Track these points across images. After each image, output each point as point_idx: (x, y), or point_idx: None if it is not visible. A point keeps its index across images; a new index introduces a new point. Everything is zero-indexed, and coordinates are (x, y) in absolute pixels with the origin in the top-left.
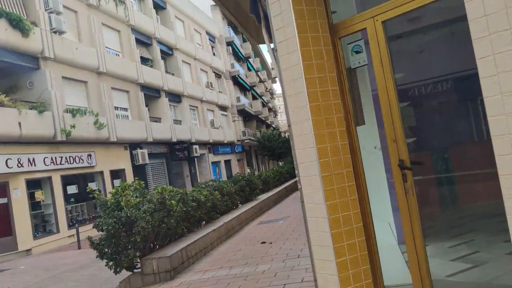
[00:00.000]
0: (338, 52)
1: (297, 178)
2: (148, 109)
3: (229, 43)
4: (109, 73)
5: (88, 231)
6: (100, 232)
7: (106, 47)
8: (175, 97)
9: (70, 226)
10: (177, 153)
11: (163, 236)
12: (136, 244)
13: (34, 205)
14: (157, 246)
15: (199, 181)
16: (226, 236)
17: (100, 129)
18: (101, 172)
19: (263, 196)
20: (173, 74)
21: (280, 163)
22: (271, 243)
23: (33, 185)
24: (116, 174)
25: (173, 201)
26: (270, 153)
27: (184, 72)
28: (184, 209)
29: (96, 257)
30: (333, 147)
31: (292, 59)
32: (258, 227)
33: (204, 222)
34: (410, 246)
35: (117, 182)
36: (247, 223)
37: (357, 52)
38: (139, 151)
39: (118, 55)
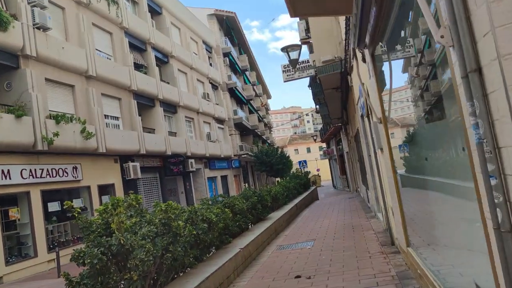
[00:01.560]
0: None
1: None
2: (141, 119)
3: (226, 54)
4: (99, 78)
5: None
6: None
7: (96, 49)
8: (170, 107)
9: (50, 249)
10: (171, 167)
11: (168, 269)
12: (132, 283)
13: (8, 224)
14: (159, 284)
15: (194, 198)
16: (243, 266)
17: (88, 138)
18: (88, 187)
19: (275, 215)
20: (168, 83)
21: (277, 179)
22: (309, 277)
23: (7, 201)
24: (105, 189)
25: (180, 222)
26: (268, 169)
27: (180, 81)
28: (194, 232)
29: None
30: None
31: None
32: (280, 253)
33: (214, 248)
34: None
35: (105, 199)
36: (263, 247)
37: None
38: (130, 164)
39: (110, 59)
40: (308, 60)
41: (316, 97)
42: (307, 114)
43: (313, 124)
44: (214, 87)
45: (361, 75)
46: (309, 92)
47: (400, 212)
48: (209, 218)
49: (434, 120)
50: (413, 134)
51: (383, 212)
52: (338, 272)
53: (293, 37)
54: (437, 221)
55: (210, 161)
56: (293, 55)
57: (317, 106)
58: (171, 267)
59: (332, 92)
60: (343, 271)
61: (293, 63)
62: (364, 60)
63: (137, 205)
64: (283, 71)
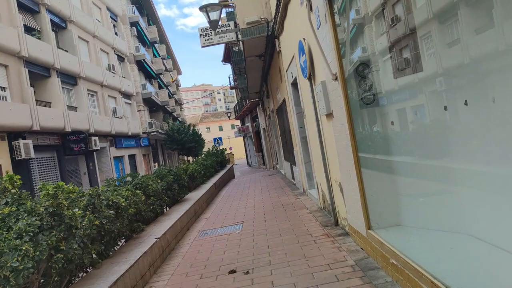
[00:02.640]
0: None
1: None
2: (34, 91)
3: (134, 24)
4: None
5: None
6: None
7: None
8: (70, 79)
9: None
10: (71, 146)
11: (59, 274)
12: None
13: None
14: None
15: (98, 179)
16: (160, 259)
17: None
18: None
19: (194, 195)
20: (67, 51)
21: (189, 158)
22: (247, 272)
23: None
24: None
25: (76, 210)
26: (180, 147)
27: (81, 50)
28: (97, 222)
29: None
30: None
31: None
32: (204, 240)
33: (123, 239)
34: None
35: None
36: (183, 234)
37: None
38: (21, 142)
39: None
40: (228, 24)
41: (236, 66)
42: (218, 92)
43: (225, 102)
44: (121, 58)
45: (301, 28)
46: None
47: (360, 189)
48: (116, 202)
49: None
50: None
51: (320, 189)
52: (282, 263)
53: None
54: (400, 199)
55: (116, 139)
56: (213, 15)
57: (234, 81)
58: (64, 271)
59: (255, 60)
60: (287, 262)
61: (214, 25)
62: (311, 7)
63: (14, 189)
64: (200, 35)
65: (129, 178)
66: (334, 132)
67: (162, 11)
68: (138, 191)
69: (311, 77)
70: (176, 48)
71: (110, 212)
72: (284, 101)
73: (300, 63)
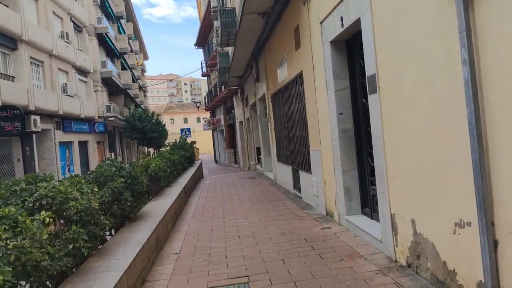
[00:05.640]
0: None
1: None
2: None
3: None
4: None
5: None
6: None
7: None
8: (8, 40)
9: None
10: (2, 124)
11: None
12: None
13: None
14: None
15: (37, 167)
16: None
17: None
18: None
19: (155, 208)
20: (6, 6)
21: (150, 150)
22: None
23: None
24: None
25: None
26: (140, 136)
27: (27, 8)
28: None
29: None
30: None
31: None
32: None
33: None
34: None
35: None
36: None
37: None
38: None
39: None
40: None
41: (225, 31)
42: (185, 84)
43: (191, 94)
44: (78, 28)
45: None
46: (189, 61)
47: None
48: None
49: None
50: None
51: (399, 225)
52: None
53: (169, 3)
54: None
55: (65, 121)
56: None
57: (208, 66)
58: None
59: (254, 21)
60: None
61: None
62: None
63: None
64: None
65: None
66: None
67: None
68: (40, 216)
69: None
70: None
71: None
72: (298, 78)
73: None
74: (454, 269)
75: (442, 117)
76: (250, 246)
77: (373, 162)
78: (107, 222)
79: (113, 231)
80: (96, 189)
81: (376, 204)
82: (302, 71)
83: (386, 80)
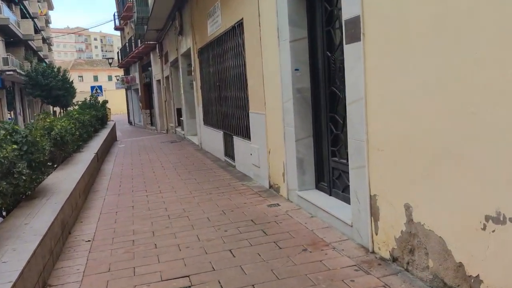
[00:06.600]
0: None
1: None
2: None
3: None
4: None
5: None
6: None
7: None
8: None
9: None
10: None
11: None
12: None
13: None
14: None
15: None
16: None
17: None
18: None
19: (61, 181)
20: None
21: (56, 109)
22: None
23: None
24: None
25: None
26: (44, 93)
27: None
28: None
29: None
30: None
31: None
32: None
33: None
34: None
35: None
36: None
37: None
38: None
39: None
40: None
41: None
42: (95, 39)
43: (102, 50)
44: None
45: None
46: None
47: None
48: None
49: None
50: None
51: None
52: None
53: None
54: None
55: None
56: None
57: (121, 19)
58: None
59: None
60: None
61: None
62: None
63: None
64: None
65: None
66: None
67: None
68: None
69: None
70: None
71: None
72: (236, 27)
73: None
74: (477, 276)
75: (477, 60)
76: (185, 230)
77: (336, 129)
78: None
79: (3, 214)
80: None
81: (337, 178)
82: (242, 19)
83: (375, 24)
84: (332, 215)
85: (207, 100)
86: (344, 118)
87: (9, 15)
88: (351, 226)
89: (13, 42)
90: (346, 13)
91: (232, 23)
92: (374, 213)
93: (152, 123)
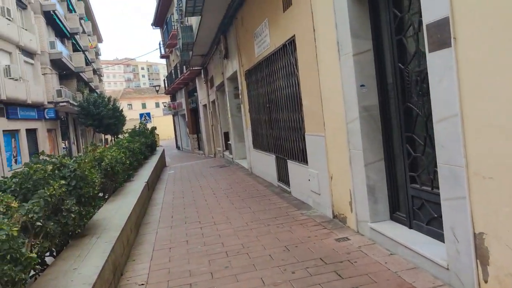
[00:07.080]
0: None
1: None
2: None
3: None
4: None
5: None
6: None
7: None
8: None
9: None
10: None
11: None
12: None
13: None
14: None
15: None
16: None
17: None
18: None
19: (111, 215)
20: None
21: (107, 137)
22: None
23: None
24: None
25: None
26: (96, 123)
27: None
28: None
29: None
30: None
31: None
32: None
33: None
34: None
35: None
36: None
37: None
38: None
39: None
40: None
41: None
42: (142, 68)
43: (149, 79)
44: (22, 5)
45: None
46: (143, 44)
47: None
48: None
49: None
50: None
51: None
52: None
53: None
54: None
55: (9, 107)
56: None
57: (166, 48)
58: None
59: None
60: None
61: None
62: None
63: None
64: None
65: None
66: None
67: None
68: None
69: None
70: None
71: None
72: (287, 45)
73: None
74: None
75: None
76: (246, 270)
77: (414, 151)
78: (32, 255)
79: (54, 253)
80: (14, 204)
81: (419, 209)
82: (294, 36)
83: (470, 24)
84: (418, 253)
85: (256, 122)
86: (425, 139)
87: (62, 50)
88: (447, 269)
89: (66, 74)
90: (428, 16)
91: (282, 41)
92: (481, 256)
93: (199, 148)
